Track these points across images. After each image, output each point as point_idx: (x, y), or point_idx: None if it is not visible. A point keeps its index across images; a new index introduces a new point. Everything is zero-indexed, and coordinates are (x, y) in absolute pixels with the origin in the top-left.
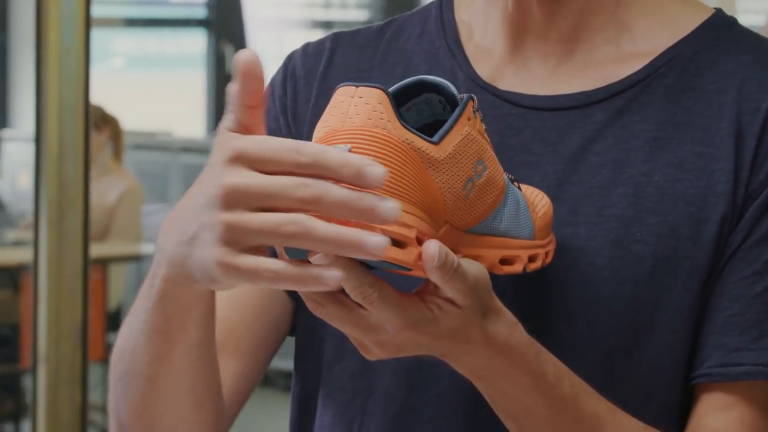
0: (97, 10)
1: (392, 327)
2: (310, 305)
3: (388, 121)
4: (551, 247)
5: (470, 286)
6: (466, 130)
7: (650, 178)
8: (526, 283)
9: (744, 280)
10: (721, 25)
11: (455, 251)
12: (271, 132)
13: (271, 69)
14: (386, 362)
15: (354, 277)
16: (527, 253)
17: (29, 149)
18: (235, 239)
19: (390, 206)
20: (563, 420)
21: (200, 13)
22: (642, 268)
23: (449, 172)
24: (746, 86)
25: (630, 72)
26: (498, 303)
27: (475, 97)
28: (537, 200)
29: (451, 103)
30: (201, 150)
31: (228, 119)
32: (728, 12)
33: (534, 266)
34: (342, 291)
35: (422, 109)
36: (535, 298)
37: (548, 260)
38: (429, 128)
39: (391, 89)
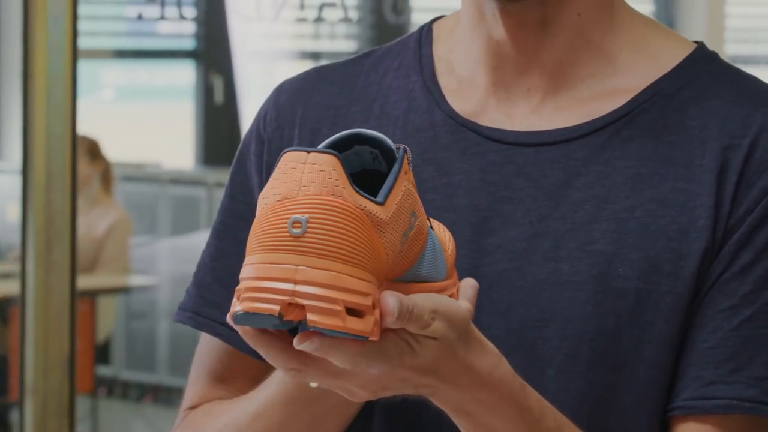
0: (86, 42)
1: (376, 369)
2: (290, 375)
3: (343, 187)
4: (458, 283)
5: (432, 319)
6: (405, 185)
7: (632, 213)
8: (508, 318)
9: (721, 312)
10: (703, 60)
11: None
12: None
13: (259, 101)
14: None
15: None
16: (447, 295)
17: (18, 181)
18: None
19: None
20: None
21: (189, 44)
22: (624, 303)
23: (392, 230)
24: (728, 123)
25: (612, 108)
26: (480, 335)
27: (408, 149)
28: (446, 238)
29: (385, 154)
30: (190, 181)
31: None
32: (716, 42)
33: None
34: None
35: (351, 160)
36: (517, 333)
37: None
38: (357, 178)
39: (325, 142)
